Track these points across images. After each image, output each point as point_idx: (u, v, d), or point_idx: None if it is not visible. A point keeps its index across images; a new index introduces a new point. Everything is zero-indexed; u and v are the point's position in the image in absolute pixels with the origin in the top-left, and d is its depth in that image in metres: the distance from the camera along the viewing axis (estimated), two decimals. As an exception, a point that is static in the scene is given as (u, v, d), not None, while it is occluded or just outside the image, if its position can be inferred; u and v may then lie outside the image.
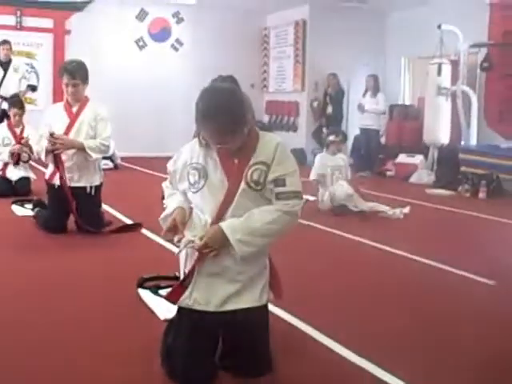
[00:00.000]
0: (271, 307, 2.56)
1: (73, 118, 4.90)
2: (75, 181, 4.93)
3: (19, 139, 6.76)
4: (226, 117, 2.23)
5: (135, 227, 5.23)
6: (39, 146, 4.92)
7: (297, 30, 11.96)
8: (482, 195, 8.18)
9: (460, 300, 3.71)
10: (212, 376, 2.43)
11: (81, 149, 4.82)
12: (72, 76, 4.84)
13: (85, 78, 4.92)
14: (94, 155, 4.87)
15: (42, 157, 4.91)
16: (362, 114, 10.35)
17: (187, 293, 2.38)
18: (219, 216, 2.34)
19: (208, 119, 2.26)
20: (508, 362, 2.77)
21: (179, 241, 2.39)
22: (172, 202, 2.49)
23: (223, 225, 2.31)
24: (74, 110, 4.94)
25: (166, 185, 2.61)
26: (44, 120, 5.01)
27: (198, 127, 2.36)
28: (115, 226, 5.21)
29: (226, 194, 2.34)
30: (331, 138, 6.74)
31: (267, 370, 2.47)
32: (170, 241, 2.64)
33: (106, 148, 4.96)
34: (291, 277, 2.78)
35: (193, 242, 2.33)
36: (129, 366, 2.57)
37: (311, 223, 5.64)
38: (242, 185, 2.32)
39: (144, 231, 5.11)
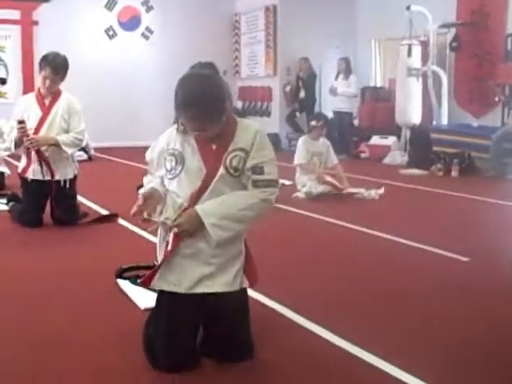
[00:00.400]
0: (248, 290, 2.58)
1: (46, 111, 4.84)
2: (49, 174, 4.88)
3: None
4: (204, 104, 2.23)
5: (111, 218, 5.21)
6: (9, 137, 4.84)
7: (267, 15, 11.94)
8: (454, 174, 8.30)
9: (435, 277, 3.77)
10: (194, 361, 2.44)
11: (55, 145, 4.78)
12: (56, 72, 4.76)
13: (66, 75, 4.87)
14: (69, 150, 4.83)
15: (12, 149, 4.85)
16: (335, 97, 10.39)
17: (161, 275, 2.38)
18: (195, 201, 2.34)
19: (187, 107, 2.26)
20: (482, 339, 2.83)
21: (149, 215, 2.37)
22: (147, 186, 2.49)
23: (198, 208, 2.31)
24: (47, 102, 4.87)
25: (146, 177, 2.59)
26: (15, 112, 4.90)
27: (176, 114, 2.36)
28: (91, 217, 5.19)
29: (203, 180, 2.33)
30: (313, 123, 6.63)
31: (248, 355, 2.48)
32: (144, 228, 2.64)
33: (80, 142, 4.93)
34: (266, 259, 2.80)
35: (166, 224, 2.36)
36: (108, 355, 2.57)
37: (286, 207, 5.68)
38: (221, 170, 2.32)
39: (121, 221, 5.10)
